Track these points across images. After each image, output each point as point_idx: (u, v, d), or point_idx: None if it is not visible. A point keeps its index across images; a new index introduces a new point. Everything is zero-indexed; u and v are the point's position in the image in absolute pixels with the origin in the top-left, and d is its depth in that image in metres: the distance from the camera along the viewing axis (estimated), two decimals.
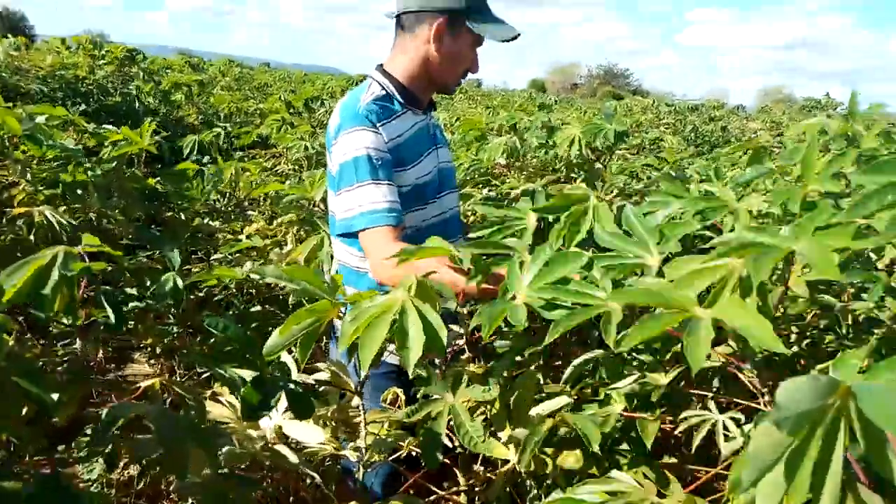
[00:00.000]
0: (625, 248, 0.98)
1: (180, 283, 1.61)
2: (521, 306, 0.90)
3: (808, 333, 1.23)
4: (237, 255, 2.20)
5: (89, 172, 1.85)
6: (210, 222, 2.29)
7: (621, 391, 0.99)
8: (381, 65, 1.53)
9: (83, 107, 3.49)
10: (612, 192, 2.68)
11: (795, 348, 1.20)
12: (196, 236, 2.21)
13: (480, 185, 2.87)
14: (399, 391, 1.16)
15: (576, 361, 1.02)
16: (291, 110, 4.79)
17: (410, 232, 1.46)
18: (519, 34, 1.48)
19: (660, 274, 0.92)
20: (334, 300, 0.92)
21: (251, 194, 2.49)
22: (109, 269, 1.34)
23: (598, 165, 2.65)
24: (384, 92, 1.48)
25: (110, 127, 2.58)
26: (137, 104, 3.88)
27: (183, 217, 2.16)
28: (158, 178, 2.20)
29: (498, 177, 2.90)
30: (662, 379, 0.97)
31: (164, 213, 2.21)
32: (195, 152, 3.50)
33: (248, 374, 0.87)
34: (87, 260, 1.08)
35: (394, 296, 0.89)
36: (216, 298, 2.24)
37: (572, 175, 2.63)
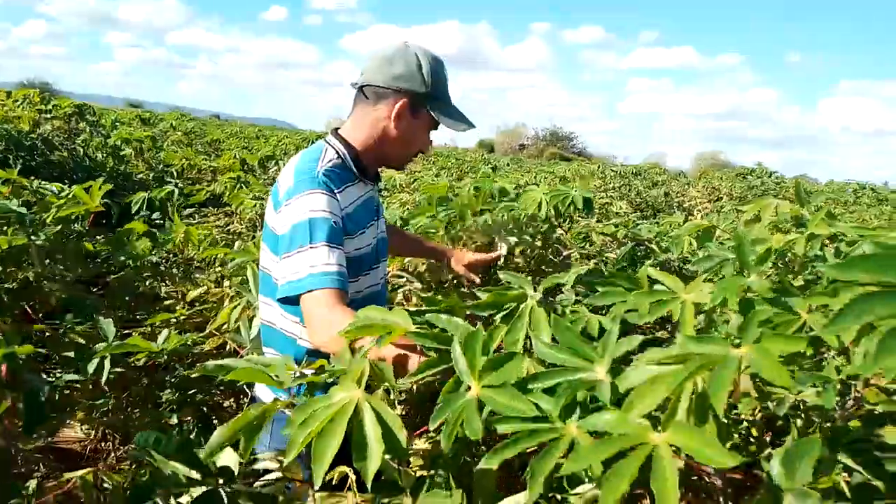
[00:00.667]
0: (569, 361, 0.87)
1: (107, 363, 1.48)
2: (476, 415, 0.79)
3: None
4: (183, 319, 2.10)
5: (32, 237, 1.73)
6: (155, 284, 2.18)
7: (584, 496, 0.91)
8: (337, 130, 1.52)
9: (27, 162, 3.34)
10: (574, 256, 2.72)
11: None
12: (138, 298, 2.09)
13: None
14: (348, 470, 1.07)
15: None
16: (246, 167, 4.73)
17: (356, 297, 1.46)
18: (473, 127, 1.53)
19: (613, 388, 0.81)
20: (280, 399, 0.87)
21: (198, 256, 2.39)
22: (36, 351, 1.21)
23: (559, 231, 2.68)
24: (340, 159, 1.47)
25: (51, 187, 2.47)
26: (86, 160, 3.74)
27: (125, 279, 2.04)
28: (103, 239, 2.09)
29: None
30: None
31: (107, 274, 2.09)
32: (144, 209, 3.38)
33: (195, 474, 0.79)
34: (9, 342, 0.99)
35: (348, 395, 0.82)
36: (159, 363, 2.12)
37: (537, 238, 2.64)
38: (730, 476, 0.87)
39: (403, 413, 1.72)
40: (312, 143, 1.63)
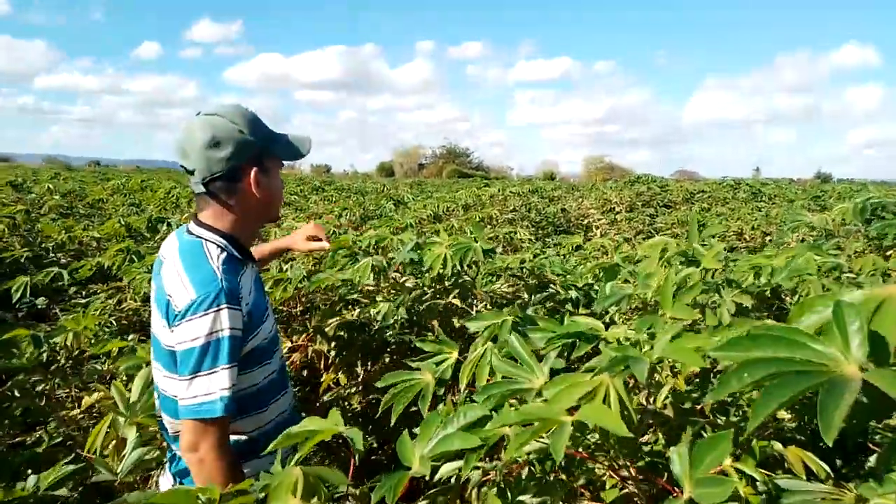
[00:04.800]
0: (516, 374, 1.19)
1: None
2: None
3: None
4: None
5: None
6: (49, 386, 2.01)
7: None
8: (200, 222, 1.44)
9: None
10: (483, 303, 2.77)
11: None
12: (30, 410, 1.92)
13: (350, 306, 2.84)
14: None
15: None
16: (132, 233, 4.47)
17: (254, 390, 1.43)
18: (308, 138, 1.52)
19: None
20: None
21: (91, 351, 2.22)
22: None
23: (466, 278, 2.72)
24: (224, 251, 1.41)
25: None
26: None
27: (14, 392, 1.87)
28: None
29: (367, 296, 2.88)
30: None
31: None
32: (27, 296, 3.11)
33: None
34: None
35: None
36: None
37: (444, 289, 2.67)
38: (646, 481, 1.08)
39: None
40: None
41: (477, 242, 2.44)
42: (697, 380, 1.45)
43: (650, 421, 1.32)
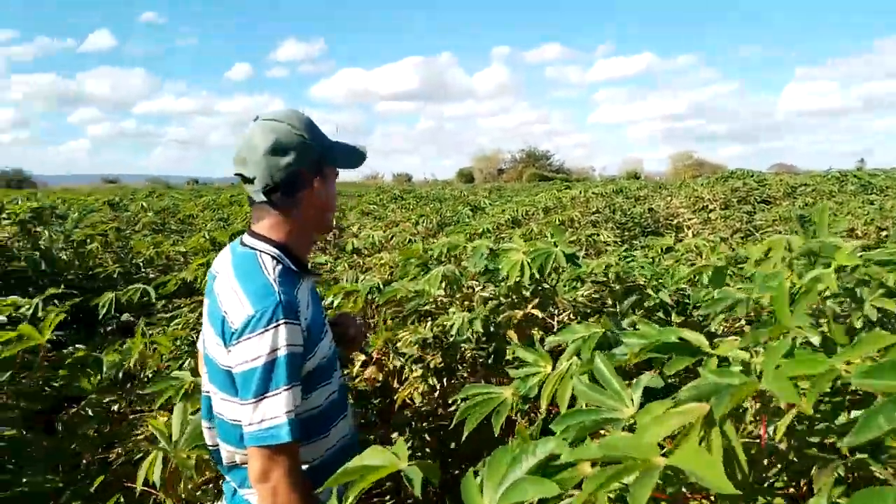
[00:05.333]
0: (600, 401, 1.02)
1: None
2: None
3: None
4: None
5: None
6: (121, 408, 2.00)
7: None
8: (255, 234, 1.36)
9: None
10: (566, 312, 2.57)
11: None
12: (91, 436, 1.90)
13: (423, 318, 2.71)
14: None
15: None
16: (215, 247, 4.56)
17: (316, 413, 1.33)
18: (363, 148, 1.46)
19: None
20: None
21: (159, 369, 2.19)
22: None
23: (545, 285, 2.53)
24: (280, 263, 1.32)
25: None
26: (44, 265, 3.57)
27: (88, 412, 1.86)
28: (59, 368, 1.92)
29: (441, 307, 2.75)
30: None
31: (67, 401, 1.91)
32: (112, 311, 3.20)
33: None
34: None
35: None
36: None
37: (523, 299, 2.50)
38: None
39: None
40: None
41: (557, 247, 2.25)
42: (829, 403, 1.20)
43: (766, 460, 1.09)
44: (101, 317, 3.17)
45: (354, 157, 1.43)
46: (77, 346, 2.65)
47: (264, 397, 1.19)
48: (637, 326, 1.36)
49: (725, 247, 4.19)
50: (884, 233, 5.45)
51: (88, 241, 4.14)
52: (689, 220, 6.89)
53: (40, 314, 2.82)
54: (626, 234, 6.80)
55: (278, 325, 1.20)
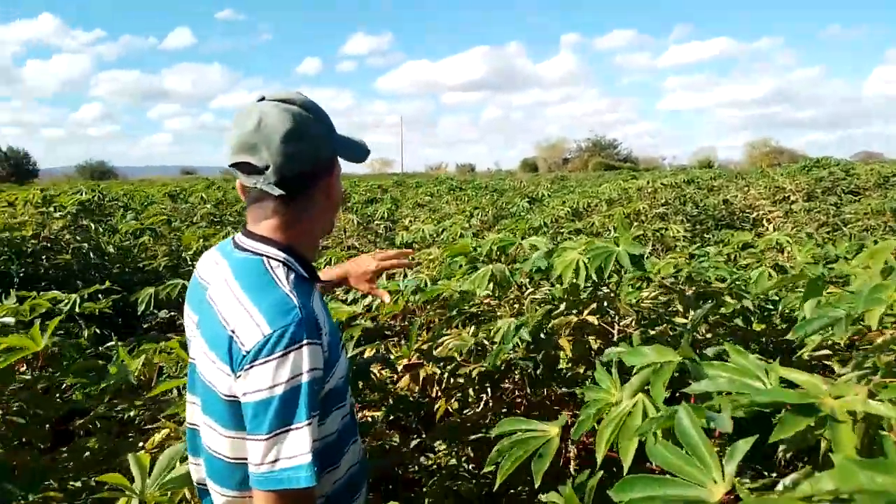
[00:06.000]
0: (683, 470, 0.81)
1: None
2: None
3: None
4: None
5: None
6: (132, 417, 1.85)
7: None
8: (253, 234, 1.14)
9: (29, 270, 3.14)
10: (629, 318, 2.27)
11: None
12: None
13: (468, 322, 2.46)
14: None
15: None
16: None
17: (330, 440, 1.14)
18: (363, 143, 1.27)
19: None
20: None
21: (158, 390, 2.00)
22: None
23: (605, 290, 2.23)
24: (294, 272, 1.11)
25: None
26: (92, 257, 3.53)
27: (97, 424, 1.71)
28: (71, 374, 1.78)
29: (488, 309, 2.50)
30: None
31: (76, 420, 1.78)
32: (151, 307, 3.10)
33: None
34: None
35: None
36: None
37: (579, 302, 2.21)
38: None
39: None
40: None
41: (619, 246, 1.94)
42: None
43: None
44: (139, 312, 3.07)
45: (358, 149, 1.23)
46: (107, 345, 2.56)
47: (282, 432, 0.98)
48: (726, 354, 1.08)
49: (812, 243, 3.74)
50: None
51: (138, 234, 4.11)
52: (770, 211, 6.33)
53: (77, 310, 2.76)
54: (698, 227, 6.32)
55: (301, 346, 1.00)
